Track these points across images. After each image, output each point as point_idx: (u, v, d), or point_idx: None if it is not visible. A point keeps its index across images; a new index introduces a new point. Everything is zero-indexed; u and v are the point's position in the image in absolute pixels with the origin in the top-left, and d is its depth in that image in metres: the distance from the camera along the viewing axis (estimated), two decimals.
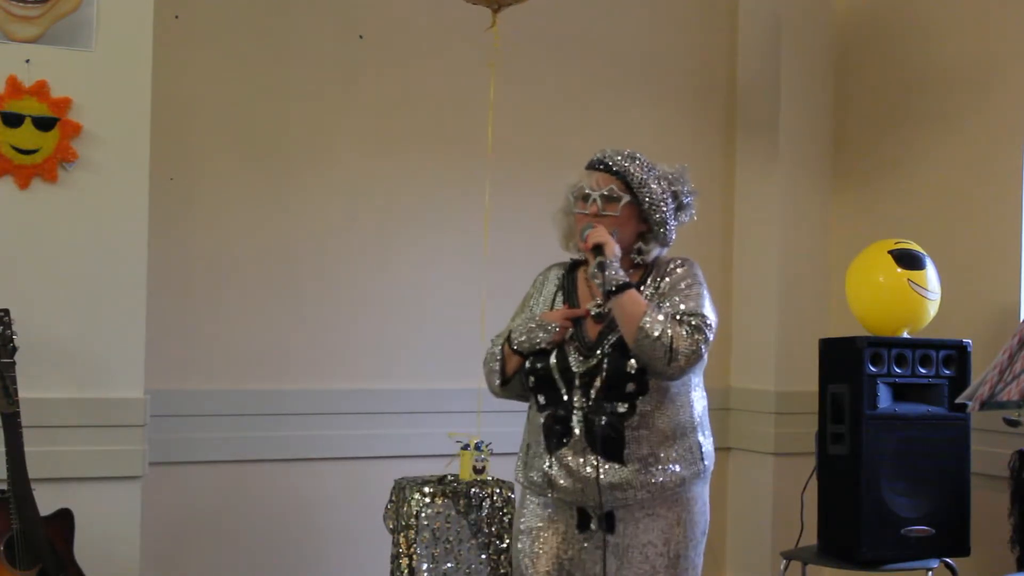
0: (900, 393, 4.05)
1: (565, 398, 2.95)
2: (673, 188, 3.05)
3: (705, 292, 2.99)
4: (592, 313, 3.01)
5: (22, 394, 3.37)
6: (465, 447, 4.00)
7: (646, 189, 2.99)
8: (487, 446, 4.00)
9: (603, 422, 2.89)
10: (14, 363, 3.37)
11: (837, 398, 4.04)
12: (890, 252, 4.21)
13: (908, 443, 4.00)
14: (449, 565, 3.84)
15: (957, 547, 4.03)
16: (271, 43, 4.47)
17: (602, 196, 2.98)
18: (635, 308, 2.85)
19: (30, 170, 3.62)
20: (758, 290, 5.17)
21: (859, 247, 4.42)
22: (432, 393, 4.61)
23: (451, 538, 3.86)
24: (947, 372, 4.09)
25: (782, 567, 4.24)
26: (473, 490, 3.90)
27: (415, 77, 4.68)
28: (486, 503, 3.91)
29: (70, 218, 3.66)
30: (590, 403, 2.91)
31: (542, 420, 2.98)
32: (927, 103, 4.79)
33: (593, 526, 2.97)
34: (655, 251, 3.05)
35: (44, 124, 3.62)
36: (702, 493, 3.03)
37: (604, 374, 2.91)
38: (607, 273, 2.87)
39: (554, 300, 3.09)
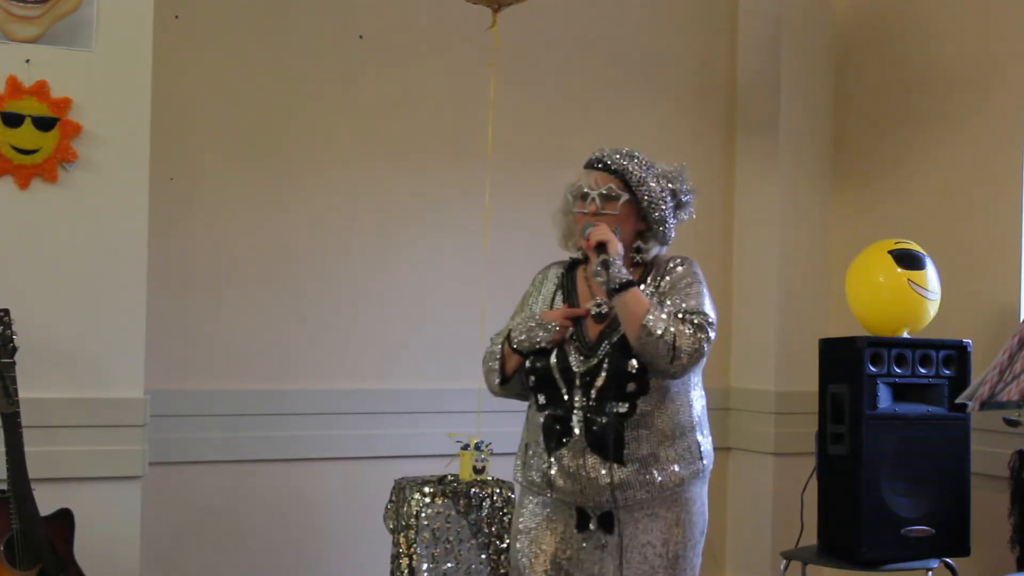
0: (900, 393, 4.05)
1: (565, 398, 2.95)
2: (672, 186, 3.05)
3: (705, 291, 2.99)
4: (592, 313, 3.01)
5: (22, 394, 3.37)
6: (465, 447, 4.00)
7: (645, 187, 2.99)
8: (487, 446, 4.00)
9: (603, 422, 2.89)
10: (14, 363, 3.37)
11: (837, 398, 4.04)
12: (890, 252, 4.21)
13: (908, 443, 4.00)
14: (449, 565, 3.84)
15: (957, 547, 4.03)
16: (271, 43, 4.47)
17: (601, 195, 2.98)
18: (638, 307, 2.85)
19: (30, 170, 3.62)
20: (758, 290, 5.17)
21: (859, 247, 4.42)
22: (432, 393, 4.61)
23: (451, 538, 3.86)
24: (947, 372, 4.09)
25: (782, 567, 4.24)
26: (473, 490, 3.90)
27: (415, 77, 4.68)
28: (486, 503, 3.91)
29: (70, 218, 3.66)
30: (591, 403, 2.91)
31: (542, 420, 2.98)
32: (927, 103, 4.79)
33: (592, 526, 2.97)
34: (655, 249, 3.05)
35: (44, 124, 3.62)
36: (701, 493, 3.03)
37: (605, 374, 2.90)
38: (611, 271, 2.86)
39: (553, 299, 3.09)
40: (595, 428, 2.89)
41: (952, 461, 4.04)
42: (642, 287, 2.98)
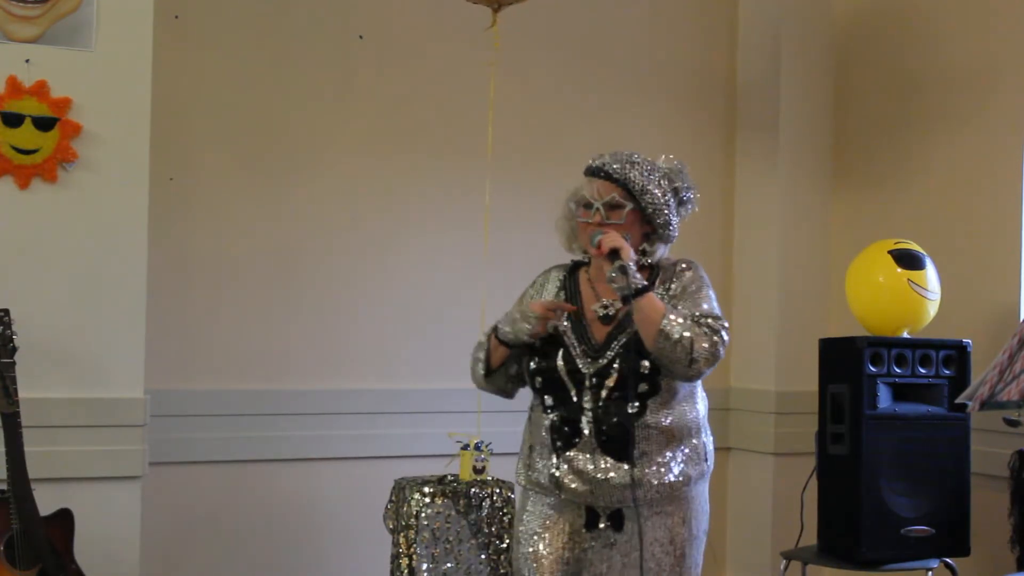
0: (900, 393, 4.05)
1: (575, 399, 2.95)
2: (674, 185, 3.05)
3: (713, 294, 3.02)
4: (599, 315, 3.01)
5: (22, 394, 3.37)
6: (465, 447, 4.00)
7: (648, 196, 2.98)
8: (487, 446, 4.00)
9: (615, 422, 2.89)
10: (14, 363, 3.37)
11: (837, 398, 4.04)
12: (890, 252, 4.21)
13: (908, 443, 4.00)
14: (449, 565, 3.84)
15: (957, 547, 4.03)
16: (271, 43, 4.47)
17: (605, 205, 2.98)
18: (654, 312, 2.85)
19: (30, 170, 3.62)
20: (758, 290, 5.17)
21: (859, 247, 4.42)
22: (432, 393, 4.61)
23: (451, 538, 3.86)
24: (947, 372, 4.09)
25: (782, 567, 4.24)
26: (473, 490, 3.90)
27: (415, 77, 4.68)
28: (486, 503, 3.91)
29: (70, 218, 3.66)
30: (600, 404, 2.92)
31: (549, 421, 2.97)
32: (927, 103, 4.79)
33: (602, 524, 2.97)
34: (660, 250, 3.07)
35: (44, 124, 3.62)
36: (703, 492, 3.06)
37: (617, 374, 2.91)
38: (628, 278, 2.86)
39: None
40: (607, 428, 2.90)
41: (952, 461, 4.04)
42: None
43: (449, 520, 3.86)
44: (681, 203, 3.07)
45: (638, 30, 5.12)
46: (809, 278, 5.15)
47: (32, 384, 3.50)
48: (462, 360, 3.17)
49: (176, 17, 4.27)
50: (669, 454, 2.93)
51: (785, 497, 4.85)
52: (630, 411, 2.90)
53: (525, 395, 3.15)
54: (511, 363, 3.07)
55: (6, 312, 3.39)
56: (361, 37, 4.60)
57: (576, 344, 2.98)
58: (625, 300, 2.88)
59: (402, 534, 3.86)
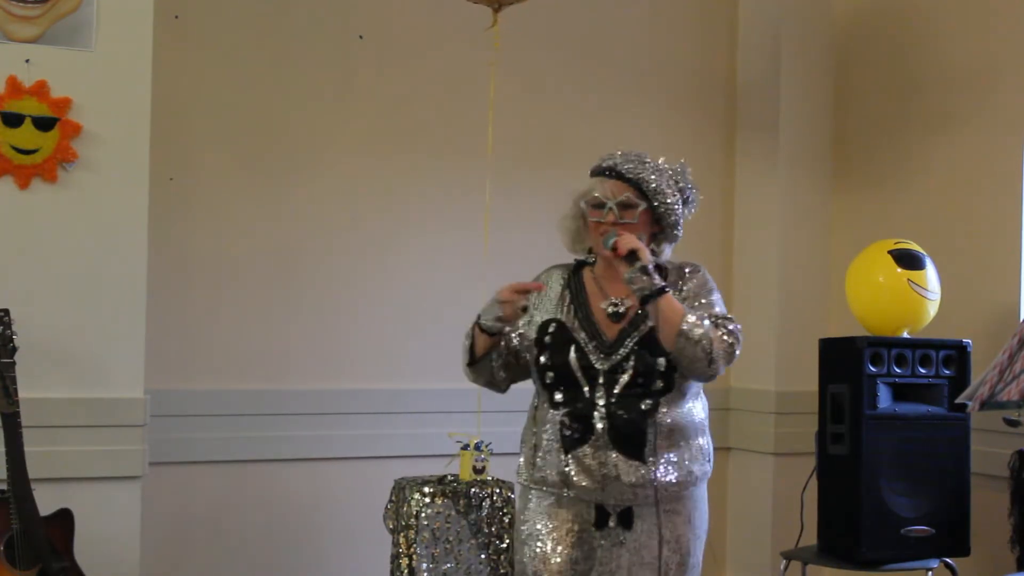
0: (900, 393, 4.05)
1: (587, 395, 2.95)
2: (679, 186, 3.07)
3: (720, 297, 3.06)
4: (609, 312, 3.01)
5: (22, 394, 3.37)
6: (465, 447, 4.00)
7: (661, 196, 3.00)
8: (487, 446, 4.00)
9: (628, 418, 2.90)
10: (14, 363, 3.37)
11: (837, 398, 4.04)
12: (890, 252, 4.21)
13: (908, 443, 4.00)
14: (449, 565, 3.84)
15: (957, 547, 4.03)
16: (271, 43, 4.47)
17: (618, 204, 2.98)
18: (674, 313, 2.87)
19: (30, 170, 3.62)
20: (758, 290, 5.17)
21: (859, 247, 4.42)
22: (432, 393, 4.61)
23: (451, 538, 3.86)
24: (947, 372, 4.09)
25: (782, 567, 4.24)
26: (473, 490, 3.90)
27: (415, 77, 4.68)
28: (486, 503, 3.91)
29: (70, 218, 3.66)
30: (613, 400, 2.92)
31: (560, 417, 2.96)
32: (927, 103, 4.79)
33: (612, 523, 2.96)
34: (667, 250, 3.10)
35: (44, 124, 3.62)
36: (704, 492, 3.08)
37: (632, 371, 2.92)
38: (649, 278, 2.85)
39: (562, 301, 3.07)
40: (620, 425, 2.90)
41: (952, 461, 4.04)
42: None
43: (449, 520, 3.86)
44: (685, 203, 3.09)
45: (638, 30, 5.12)
46: (809, 278, 5.15)
47: (32, 384, 3.49)
48: (460, 360, 3.16)
49: (176, 17, 4.27)
50: (679, 453, 2.94)
51: (785, 497, 4.85)
52: (643, 408, 2.91)
53: (525, 395, 3.14)
54: (496, 354, 3.05)
55: (6, 312, 3.39)
56: (361, 37, 4.60)
57: (587, 340, 2.98)
58: (644, 301, 2.87)
59: (402, 534, 3.86)
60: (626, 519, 2.95)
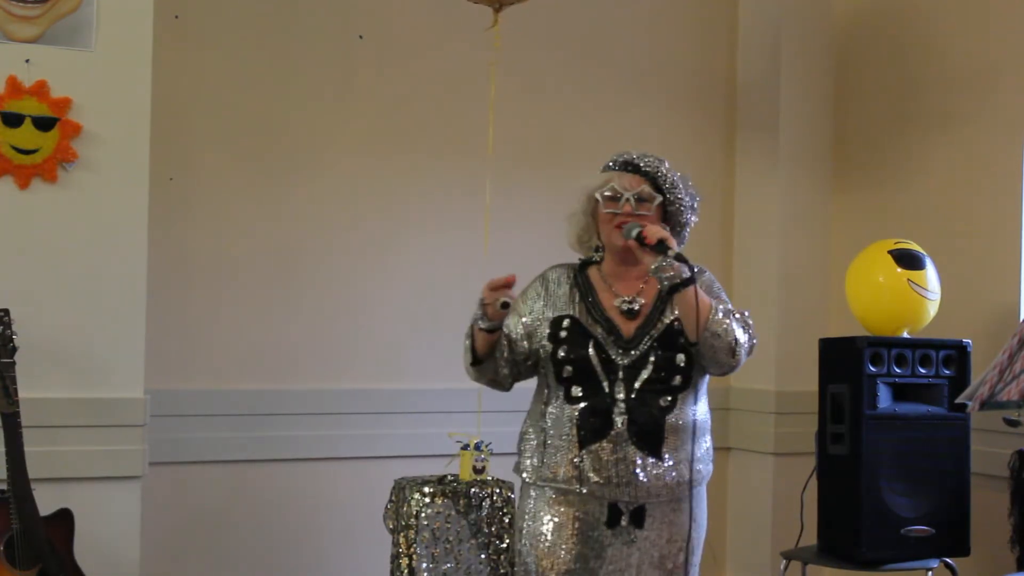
0: (900, 393, 4.05)
1: (606, 390, 2.94)
2: (689, 191, 3.08)
3: (727, 297, 3.08)
4: (623, 310, 3.01)
5: (22, 394, 3.37)
6: (465, 447, 4.00)
7: (676, 190, 3.03)
8: (487, 446, 4.00)
9: (648, 414, 2.90)
10: (14, 363, 3.37)
11: (837, 398, 4.04)
12: (890, 252, 4.21)
13: (908, 443, 4.00)
14: (449, 565, 3.84)
15: (957, 547, 4.03)
16: (271, 43, 4.47)
17: (636, 196, 2.99)
18: (702, 303, 2.88)
19: (30, 170, 3.62)
20: (758, 290, 5.17)
21: (859, 247, 4.42)
22: (432, 393, 4.61)
23: (451, 538, 3.86)
24: (947, 372, 4.09)
25: (782, 567, 4.24)
26: (473, 490, 3.90)
27: (415, 77, 4.68)
28: (486, 503, 3.91)
29: (70, 218, 3.66)
30: (633, 396, 2.92)
31: (577, 412, 2.95)
32: (927, 103, 4.79)
33: (624, 521, 2.95)
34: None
35: (44, 124, 3.62)
36: (705, 492, 3.08)
37: (652, 366, 2.93)
38: (681, 267, 2.85)
39: (571, 299, 3.05)
40: (641, 421, 2.90)
41: (952, 461, 4.04)
42: None
43: (449, 520, 3.86)
44: (692, 208, 3.10)
45: (638, 30, 5.12)
46: (809, 278, 5.15)
47: (32, 384, 3.50)
48: (461, 360, 3.15)
49: (176, 17, 4.27)
50: (691, 450, 2.95)
51: (785, 497, 4.85)
52: (662, 404, 2.92)
53: (526, 395, 3.14)
54: (501, 350, 3.01)
55: (6, 312, 3.39)
56: (361, 37, 4.60)
57: (605, 336, 2.97)
58: (673, 290, 2.87)
59: (402, 534, 3.86)
60: (638, 518, 2.94)
